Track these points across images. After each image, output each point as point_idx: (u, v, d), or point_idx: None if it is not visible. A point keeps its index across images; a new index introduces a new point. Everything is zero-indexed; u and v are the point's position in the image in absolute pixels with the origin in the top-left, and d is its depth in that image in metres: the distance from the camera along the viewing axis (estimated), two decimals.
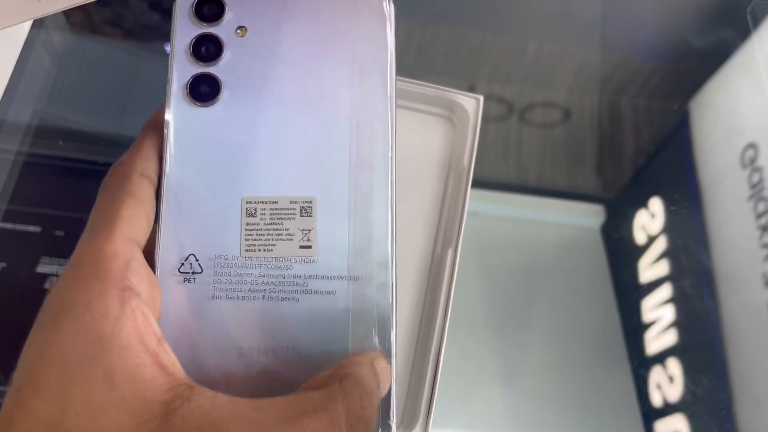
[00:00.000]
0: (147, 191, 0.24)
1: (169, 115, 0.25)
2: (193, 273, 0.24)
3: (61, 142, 0.48)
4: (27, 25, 0.49)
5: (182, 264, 0.24)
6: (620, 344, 0.51)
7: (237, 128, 0.25)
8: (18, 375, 0.21)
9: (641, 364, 0.51)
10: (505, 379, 0.49)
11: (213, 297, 0.24)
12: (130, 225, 0.23)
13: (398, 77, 0.40)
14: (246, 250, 0.25)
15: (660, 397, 0.49)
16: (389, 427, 0.24)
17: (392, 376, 0.25)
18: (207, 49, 0.25)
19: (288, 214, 0.25)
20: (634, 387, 0.50)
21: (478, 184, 0.39)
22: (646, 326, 0.52)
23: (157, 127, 0.25)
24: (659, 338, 0.51)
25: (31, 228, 0.44)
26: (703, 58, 0.60)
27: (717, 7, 0.63)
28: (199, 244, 0.24)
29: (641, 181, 0.57)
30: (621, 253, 0.55)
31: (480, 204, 0.55)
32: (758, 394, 0.47)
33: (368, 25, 0.27)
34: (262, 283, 0.24)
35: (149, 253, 0.24)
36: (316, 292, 0.25)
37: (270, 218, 0.25)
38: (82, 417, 0.20)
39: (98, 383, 0.20)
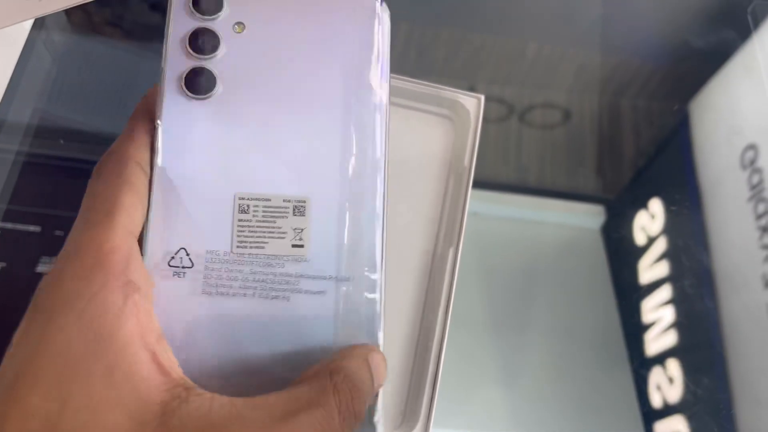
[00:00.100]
0: (143, 181, 0.24)
1: (162, 107, 0.25)
2: (183, 267, 0.24)
3: (62, 141, 0.48)
4: (28, 25, 0.49)
5: (172, 257, 0.24)
6: (620, 345, 0.51)
7: (231, 123, 0.25)
8: (9, 369, 0.20)
9: (641, 364, 0.50)
10: (505, 380, 0.49)
11: (203, 292, 0.24)
12: (129, 215, 0.23)
13: (399, 77, 0.40)
14: (237, 247, 0.24)
15: (660, 398, 0.49)
16: (374, 426, 0.25)
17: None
18: (204, 42, 0.25)
19: (281, 212, 0.25)
20: (634, 388, 0.50)
21: (478, 184, 0.39)
22: (646, 327, 0.52)
23: (148, 115, 0.25)
24: (659, 339, 0.51)
25: (31, 228, 0.44)
26: (703, 58, 0.60)
27: (717, 7, 0.63)
28: (191, 238, 0.24)
29: (641, 182, 0.57)
30: (621, 253, 0.55)
31: (480, 204, 0.55)
32: (758, 395, 0.47)
33: (363, 28, 0.27)
34: (253, 280, 0.24)
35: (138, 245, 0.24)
36: (307, 291, 0.25)
37: (263, 215, 0.25)
38: (80, 414, 0.19)
39: (98, 380, 0.20)
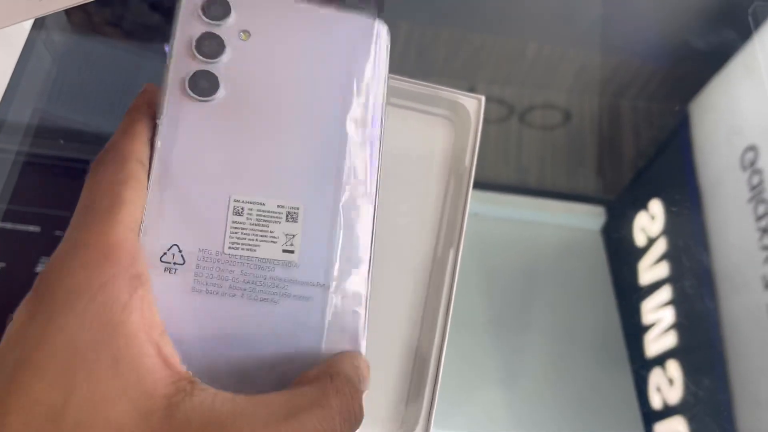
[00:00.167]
0: (143, 177, 0.24)
1: (164, 106, 0.25)
2: (174, 263, 0.24)
3: (62, 141, 0.48)
4: (28, 25, 0.48)
5: (164, 253, 0.24)
6: (620, 346, 0.51)
7: (230, 127, 0.26)
8: (9, 356, 0.20)
9: (641, 365, 0.51)
10: (506, 381, 0.49)
11: (193, 290, 0.24)
12: (132, 211, 0.23)
13: (400, 77, 0.40)
14: (230, 248, 0.25)
15: (660, 399, 0.49)
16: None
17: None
18: (210, 46, 0.26)
19: (274, 217, 0.25)
20: (634, 389, 0.50)
21: (478, 185, 0.39)
22: (646, 328, 0.52)
23: (147, 112, 0.25)
24: (659, 340, 0.51)
25: (31, 228, 0.44)
26: (703, 59, 0.60)
27: (718, 8, 0.63)
28: (184, 235, 0.24)
29: (641, 183, 0.57)
30: (621, 254, 0.55)
31: (480, 205, 0.55)
32: (759, 396, 0.47)
33: (361, 46, 0.28)
34: (243, 281, 0.25)
35: None
36: (295, 296, 0.25)
37: (256, 219, 0.25)
38: (86, 405, 0.19)
39: (104, 371, 0.20)
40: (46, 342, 0.20)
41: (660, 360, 0.50)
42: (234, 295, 0.25)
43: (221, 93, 0.26)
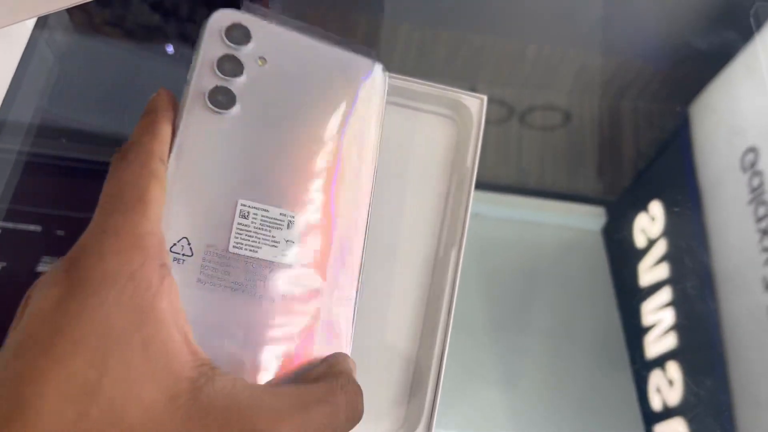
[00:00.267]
0: (164, 175, 0.26)
1: (184, 114, 0.27)
2: (183, 255, 0.26)
3: (64, 140, 0.48)
4: (30, 24, 0.48)
5: (175, 244, 0.26)
6: (620, 347, 0.51)
7: (243, 139, 0.28)
8: (44, 331, 0.21)
9: (641, 367, 0.50)
10: (506, 381, 0.49)
11: (198, 281, 0.26)
12: (158, 205, 0.24)
13: (403, 77, 0.40)
14: (234, 246, 0.27)
15: (660, 401, 0.49)
16: None
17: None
18: (230, 66, 0.29)
19: (276, 223, 0.28)
20: (634, 390, 0.50)
21: (478, 185, 0.39)
22: (647, 329, 0.52)
23: (167, 115, 0.27)
24: (659, 341, 0.51)
25: (32, 227, 0.44)
26: (704, 60, 0.60)
27: (719, 8, 0.63)
28: (194, 230, 0.26)
29: (642, 184, 0.57)
30: (621, 255, 0.55)
31: (481, 205, 0.55)
32: (759, 398, 0.47)
33: (361, 83, 0.32)
34: (244, 278, 0.27)
35: None
36: (291, 297, 0.27)
37: (260, 223, 0.27)
38: (119, 383, 0.20)
39: (136, 352, 0.21)
40: (83, 320, 0.21)
41: (660, 361, 0.50)
42: (235, 290, 0.26)
43: (236, 108, 0.28)
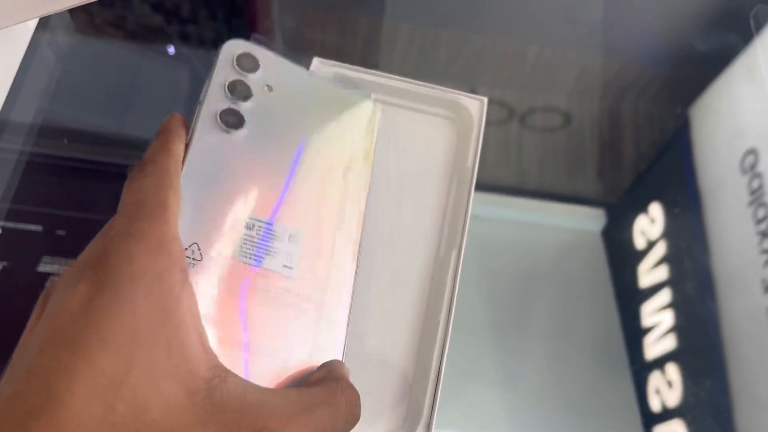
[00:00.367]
0: (179, 189, 0.27)
1: (196, 132, 0.30)
2: (194, 259, 0.27)
3: (65, 141, 0.48)
4: (32, 25, 0.49)
5: (186, 248, 0.27)
6: (620, 348, 0.51)
7: (249, 157, 0.30)
8: (73, 327, 0.22)
9: (641, 368, 0.51)
10: (506, 382, 0.49)
11: (205, 283, 0.27)
12: (176, 214, 0.26)
13: (403, 78, 0.41)
14: (239, 255, 0.29)
15: (659, 402, 0.49)
16: None
17: None
18: (240, 90, 0.31)
19: (279, 236, 0.30)
20: (634, 391, 0.50)
21: (479, 186, 0.39)
22: (646, 330, 0.52)
23: (180, 134, 0.29)
24: (659, 343, 0.51)
25: (33, 227, 0.44)
26: (704, 62, 0.60)
27: (719, 11, 0.63)
28: (203, 237, 0.28)
29: (642, 186, 0.57)
30: (621, 257, 0.55)
31: (481, 207, 0.55)
32: (758, 400, 0.47)
33: (356, 116, 0.35)
34: (247, 285, 0.28)
35: None
36: (290, 305, 0.29)
37: (264, 235, 0.29)
38: (143, 378, 0.21)
39: (160, 349, 0.22)
40: (111, 317, 0.22)
41: (659, 363, 0.50)
42: (238, 294, 0.28)
43: (244, 129, 0.31)
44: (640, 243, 0.56)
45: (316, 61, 0.41)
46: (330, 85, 0.35)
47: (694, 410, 0.47)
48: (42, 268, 0.43)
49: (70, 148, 0.48)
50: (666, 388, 0.49)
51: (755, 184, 0.53)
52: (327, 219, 0.32)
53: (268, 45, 0.33)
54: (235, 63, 0.32)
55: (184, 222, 0.27)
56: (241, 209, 0.29)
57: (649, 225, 0.55)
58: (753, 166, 0.54)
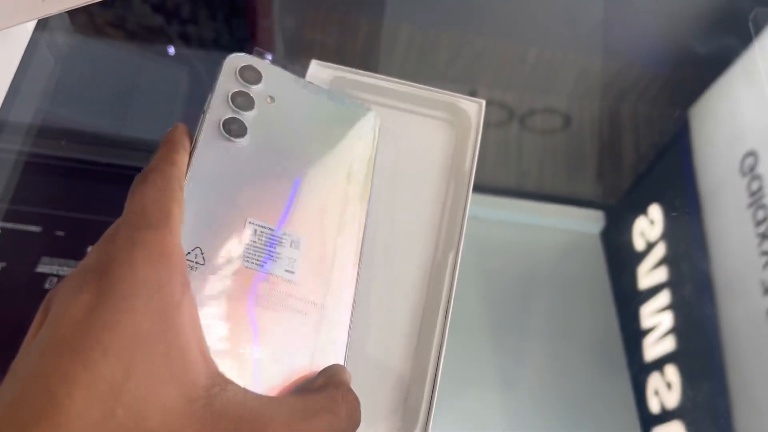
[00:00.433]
0: (183, 199, 0.28)
1: (200, 140, 0.30)
2: (196, 263, 0.28)
3: (64, 142, 0.48)
4: (30, 26, 0.49)
5: (189, 252, 0.28)
6: (619, 350, 0.51)
7: (251, 165, 0.31)
8: (76, 335, 0.22)
9: (640, 370, 0.51)
10: (504, 384, 0.49)
11: (208, 287, 0.28)
12: (180, 225, 0.26)
13: (400, 81, 0.41)
14: (241, 259, 0.29)
15: (658, 404, 0.49)
16: None
17: None
18: (242, 101, 0.32)
19: (281, 242, 0.30)
20: (632, 393, 0.50)
21: (477, 188, 0.39)
22: (645, 332, 0.52)
23: (183, 144, 0.30)
24: (658, 344, 0.51)
25: (32, 228, 0.44)
26: (704, 65, 0.60)
27: (719, 13, 0.63)
28: (206, 241, 0.29)
29: (641, 188, 0.57)
30: (620, 259, 0.55)
31: (480, 208, 0.55)
32: (757, 402, 0.47)
33: (357, 125, 0.36)
34: (249, 289, 0.29)
35: None
36: (292, 309, 0.30)
37: (266, 241, 0.30)
38: (143, 385, 0.22)
39: (159, 356, 0.22)
40: (112, 325, 0.22)
41: (658, 364, 0.50)
42: (240, 298, 0.28)
43: (247, 138, 0.31)
44: (639, 245, 0.55)
45: (314, 64, 0.41)
46: (332, 96, 0.36)
47: (693, 412, 0.47)
48: (41, 268, 0.43)
49: (70, 149, 0.48)
50: (665, 390, 0.49)
51: (755, 186, 0.53)
52: (329, 225, 0.32)
53: (271, 58, 0.35)
54: (237, 75, 0.33)
55: (186, 227, 0.28)
56: (244, 215, 0.30)
57: (648, 227, 0.55)
58: (752, 168, 0.54)
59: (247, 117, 0.32)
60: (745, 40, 0.58)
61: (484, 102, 0.41)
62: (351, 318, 0.32)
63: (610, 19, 0.63)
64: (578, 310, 0.52)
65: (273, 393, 0.28)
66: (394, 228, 0.38)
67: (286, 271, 0.30)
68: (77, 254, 0.43)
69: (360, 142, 0.35)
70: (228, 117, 0.31)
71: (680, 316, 0.51)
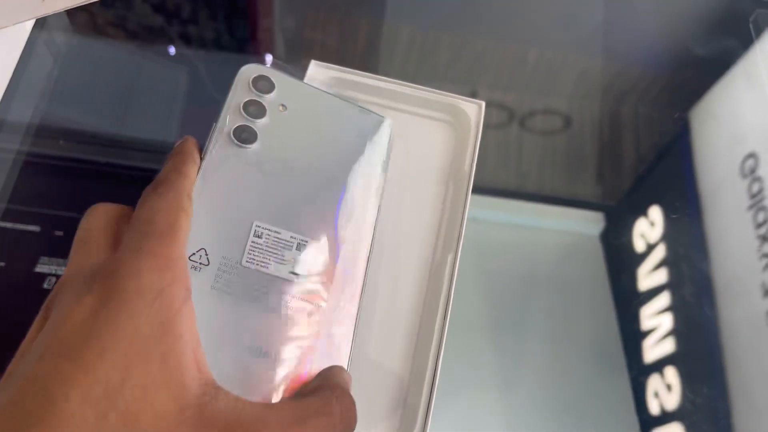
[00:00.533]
0: (191, 211, 0.28)
1: (211, 145, 0.31)
2: (200, 263, 0.29)
3: (61, 141, 0.48)
4: (29, 25, 0.49)
5: (194, 253, 0.29)
6: (618, 352, 0.51)
7: (261, 171, 0.32)
8: (77, 337, 0.22)
9: (639, 371, 0.50)
10: (503, 386, 0.49)
11: (212, 287, 0.29)
12: (186, 236, 0.27)
13: (401, 82, 0.41)
14: (247, 261, 0.30)
15: (657, 406, 0.49)
16: None
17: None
18: (254, 109, 0.33)
19: (286, 244, 0.31)
20: (632, 395, 0.49)
21: (477, 189, 0.39)
22: (645, 334, 0.52)
23: (192, 156, 0.30)
24: (657, 346, 0.51)
25: (31, 227, 0.44)
26: (704, 66, 0.60)
27: (719, 15, 0.63)
28: (212, 243, 0.29)
29: (641, 189, 0.57)
30: (620, 260, 0.55)
31: (479, 210, 0.55)
32: (757, 404, 0.47)
33: (370, 134, 0.36)
34: (254, 290, 0.29)
35: None
36: (296, 310, 0.30)
37: (272, 243, 0.31)
38: (138, 389, 0.22)
39: (155, 362, 0.23)
40: (113, 329, 0.23)
41: (658, 366, 0.50)
42: (244, 299, 0.29)
43: (257, 145, 0.32)
44: (639, 246, 0.55)
45: (313, 64, 0.41)
46: (347, 105, 0.36)
47: (692, 414, 0.47)
48: (39, 268, 0.43)
49: (68, 149, 0.48)
50: (665, 392, 0.49)
51: (755, 188, 0.53)
52: (337, 230, 0.33)
53: (286, 68, 0.36)
54: (251, 85, 0.34)
55: (194, 227, 0.29)
56: (251, 218, 0.31)
57: (648, 228, 0.55)
58: (753, 170, 0.54)
59: (258, 124, 0.33)
60: (745, 41, 0.58)
61: (483, 103, 0.41)
62: (356, 322, 0.32)
63: (610, 21, 0.62)
64: (578, 311, 0.52)
65: (275, 395, 0.28)
66: (393, 228, 0.38)
67: (291, 273, 0.30)
68: None
69: (372, 149, 0.36)
70: (239, 125, 0.32)
71: (680, 317, 0.51)
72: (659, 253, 0.54)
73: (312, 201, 0.33)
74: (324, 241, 0.32)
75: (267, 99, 0.34)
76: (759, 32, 0.57)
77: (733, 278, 0.52)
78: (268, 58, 0.58)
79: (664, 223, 0.55)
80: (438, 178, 0.40)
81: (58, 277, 0.42)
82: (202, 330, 0.27)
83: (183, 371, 0.23)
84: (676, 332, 0.50)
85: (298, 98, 0.35)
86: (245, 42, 0.60)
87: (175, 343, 0.24)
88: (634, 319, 0.53)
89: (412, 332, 0.36)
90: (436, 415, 0.34)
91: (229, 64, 0.57)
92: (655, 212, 0.55)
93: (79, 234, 0.28)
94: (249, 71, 0.34)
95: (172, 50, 0.55)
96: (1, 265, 0.42)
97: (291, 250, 0.31)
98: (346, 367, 0.31)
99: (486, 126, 0.41)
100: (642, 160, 0.58)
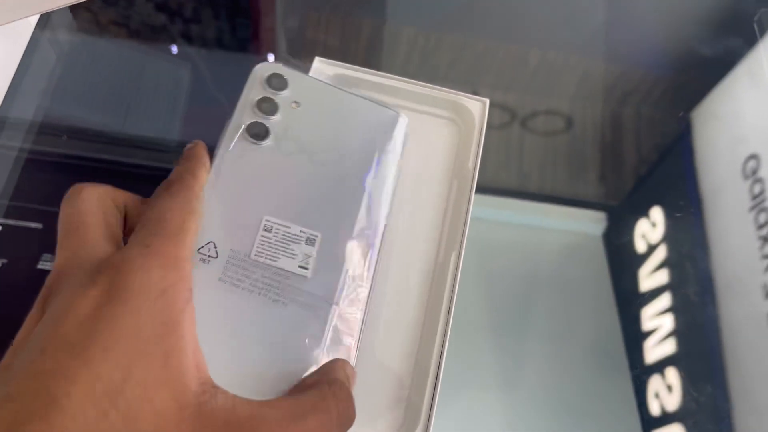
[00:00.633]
0: (201, 213, 0.29)
1: (224, 141, 0.32)
2: (209, 256, 0.29)
3: (65, 137, 0.48)
4: (32, 22, 0.49)
5: (203, 246, 0.29)
6: (620, 352, 0.51)
7: (272, 167, 0.32)
8: (79, 333, 0.22)
9: (640, 372, 0.50)
10: (505, 385, 0.49)
11: (220, 279, 0.29)
12: (193, 238, 0.27)
13: (404, 79, 0.41)
14: (255, 254, 0.30)
15: (658, 406, 0.49)
16: None
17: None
18: (267, 106, 0.33)
19: (296, 239, 0.31)
20: (633, 395, 0.49)
21: (480, 189, 0.39)
22: (646, 334, 0.52)
23: (203, 160, 0.31)
24: (659, 347, 0.51)
25: (33, 225, 0.44)
26: (707, 67, 0.60)
27: (723, 15, 0.63)
28: (221, 236, 0.30)
29: (643, 190, 0.57)
30: (622, 260, 0.55)
31: (482, 209, 0.55)
32: (758, 404, 0.47)
33: (384, 130, 0.36)
34: (262, 283, 0.30)
35: None
36: (303, 304, 0.30)
37: (282, 237, 0.31)
38: (139, 387, 0.22)
39: (157, 360, 0.23)
40: (116, 326, 0.23)
41: (659, 367, 0.50)
42: (252, 292, 0.29)
43: (270, 141, 0.33)
44: (640, 247, 0.55)
45: (317, 61, 0.41)
46: (361, 101, 0.37)
47: (693, 415, 0.47)
48: (42, 265, 0.43)
49: (71, 146, 0.48)
50: (666, 393, 0.49)
51: (757, 189, 0.53)
52: (347, 224, 0.33)
53: (300, 66, 0.36)
54: (264, 83, 0.34)
55: (204, 221, 0.29)
56: (260, 212, 0.31)
57: (650, 229, 0.55)
58: (755, 171, 0.54)
59: (270, 121, 0.33)
60: (749, 42, 0.58)
61: (487, 101, 0.41)
62: (363, 318, 0.32)
63: (612, 22, 0.63)
64: (579, 311, 0.52)
65: (275, 390, 0.28)
66: (396, 227, 0.38)
67: (300, 267, 0.31)
68: None
69: (385, 145, 0.36)
70: (252, 121, 0.33)
71: (681, 318, 0.51)
72: (661, 253, 0.54)
73: (323, 196, 0.33)
74: (334, 236, 0.32)
75: (280, 96, 0.34)
76: (763, 32, 0.58)
77: (734, 279, 0.52)
78: (270, 57, 0.58)
79: (665, 223, 0.55)
80: (442, 176, 0.40)
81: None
82: (208, 321, 0.27)
83: (183, 371, 0.23)
84: (677, 333, 0.50)
85: (311, 95, 0.35)
86: (247, 41, 0.60)
87: (177, 343, 0.24)
88: (636, 319, 0.53)
89: (415, 331, 0.36)
90: (437, 414, 0.34)
91: (232, 64, 0.57)
92: (657, 213, 0.55)
93: (68, 218, 0.28)
94: (263, 69, 0.34)
95: (174, 49, 0.55)
96: (4, 262, 0.42)
97: (300, 244, 0.31)
98: (353, 362, 0.31)
99: (488, 126, 0.41)
100: (644, 161, 0.59)
